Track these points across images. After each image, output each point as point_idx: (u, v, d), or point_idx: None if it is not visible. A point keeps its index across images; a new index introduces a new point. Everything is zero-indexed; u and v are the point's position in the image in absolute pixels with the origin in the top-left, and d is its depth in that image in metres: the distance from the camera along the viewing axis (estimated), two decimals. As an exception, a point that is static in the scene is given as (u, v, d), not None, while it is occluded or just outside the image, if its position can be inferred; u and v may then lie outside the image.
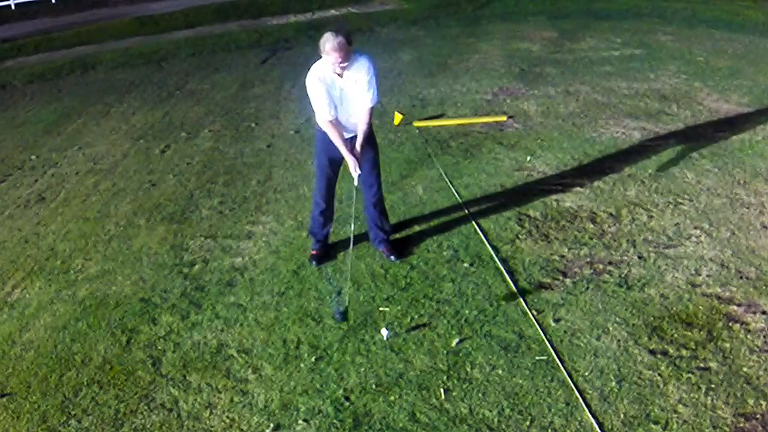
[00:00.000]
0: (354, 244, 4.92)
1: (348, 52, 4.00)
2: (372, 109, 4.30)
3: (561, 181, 5.71)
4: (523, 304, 4.11)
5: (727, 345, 3.66)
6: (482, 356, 3.71)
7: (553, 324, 3.93)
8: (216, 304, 4.42)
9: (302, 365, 3.77)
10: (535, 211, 5.24)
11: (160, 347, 4.03)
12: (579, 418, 3.24)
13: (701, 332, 3.77)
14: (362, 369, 3.70)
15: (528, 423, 3.24)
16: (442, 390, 3.49)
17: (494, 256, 4.64)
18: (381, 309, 4.16)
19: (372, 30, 12.81)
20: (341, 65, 4.02)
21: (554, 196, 5.45)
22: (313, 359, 3.81)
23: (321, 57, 4.09)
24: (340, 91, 4.20)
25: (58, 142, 7.93)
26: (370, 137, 4.45)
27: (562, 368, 3.56)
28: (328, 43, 3.95)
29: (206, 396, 3.61)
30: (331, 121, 4.23)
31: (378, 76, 4.26)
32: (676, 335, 3.76)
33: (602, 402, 3.33)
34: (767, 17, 11.69)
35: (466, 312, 4.09)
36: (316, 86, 4.16)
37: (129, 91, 9.99)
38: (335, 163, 4.55)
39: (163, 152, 7.28)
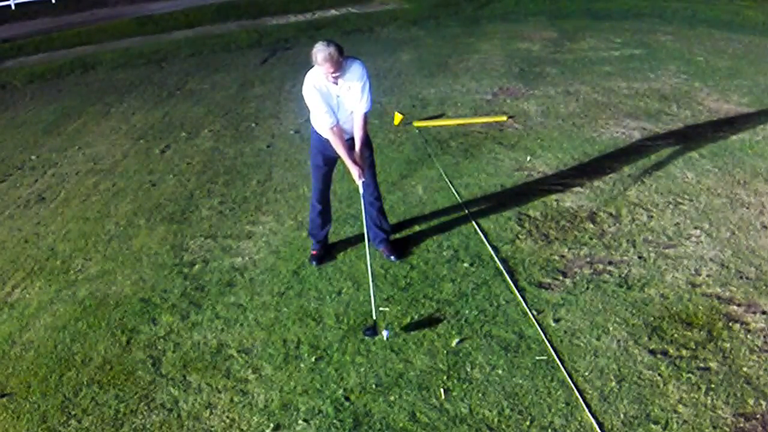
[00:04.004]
0: (354, 245, 4.93)
1: (339, 62, 3.99)
2: (366, 114, 4.30)
3: (561, 181, 5.71)
4: (523, 304, 4.12)
5: (727, 345, 3.66)
6: (482, 356, 3.71)
7: (553, 324, 3.93)
8: (216, 304, 4.42)
9: (302, 365, 3.77)
10: (535, 211, 5.24)
11: (160, 347, 4.04)
12: (579, 418, 3.24)
13: (701, 332, 3.77)
14: (362, 369, 3.70)
15: (528, 423, 3.25)
16: (442, 390, 3.49)
17: (494, 256, 4.64)
18: (381, 309, 4.16)
19: (372, 30, 12.81)
20: (333, 75, 4.03)
21: (554, 196, 5.45)
22: (313, 359, 3.81)
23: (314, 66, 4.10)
24: (336, 98, 4.20)
25: (58, 142, 7.93)
26: (365, 138, 4.46)
27: (562, 368, 3.56)
28: (320, 54, 3.94)
29: (206, 396, 3.61)
30: (332, 128, 4.23)
31: (372, 81, 4.26)
32: (676, 335, 3.76)
33: (602, 402, 3.33)
34: (767, 17, 11.69)
35: (466, 312, 4.09)
36: (313, 95, 4.15)
37: (129, 91, 9.99)
38: (331, 161, 4.55)
39: (163, 152, 7.28)
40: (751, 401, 3.27)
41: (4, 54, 13.27)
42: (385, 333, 3.92)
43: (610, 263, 4.50)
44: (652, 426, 3.17)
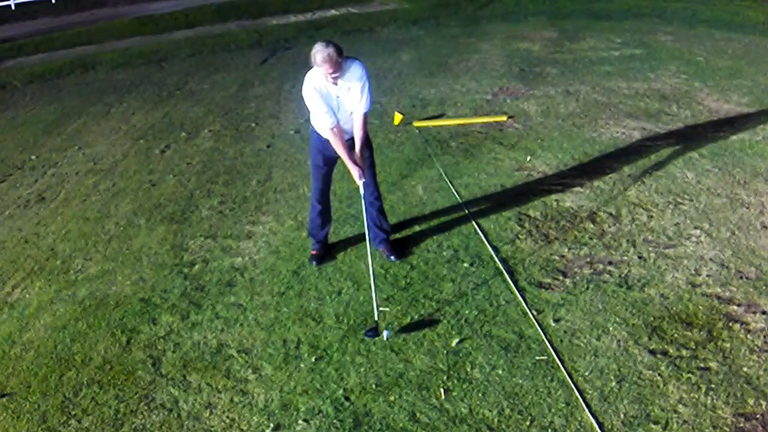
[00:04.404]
0: (354, 245, 4.93)
1: (338, 63, 3.98)
2: (366, 115, 4.30)
3: (561, 181, 5.71)
4: (523, 304, 4.12)
5: (727, 345, 3.66)
6: (482, 356, 3.71)
7: (553, 324, 3.93)
8: (216, 304, 4.42)
9: (302, 365, 3.77)
10: (535, 211, 5.24)
11: (160, 347, 4.04)
12: (579, 418, 3.24)
13: (701, 332, 3.77)
14: (362, 369, 3.70)
15: (528, 423, 3.25)
16: (442, 390, 3.49)
17: (494, 256, 4.64)
18: (381, 309, 4.16)
19: (372, 30, 12.81)
20: (333, 76, 4.02)
21: (554, 196, 5.45)
22: (313, 359, 3.81)
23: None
24: (336, 99, 4.19)
25: (58, 142, 7.93)
26: (365, 138, 4.46)
27: (562, 368, 3.56)
28: (319, 54, 3.94)
29: (206, 396, 3.61)
30: (332, 129, 4.23)
31: (371, 81, 4.26)
32: (676, 335, 3.77)
33: (602, 402, 3.33)
34: (767, 17, 11.69)
35: (466, 312, 4.09)
36: (313, 95, 4.15)
37: (129, 91, 9.99)
38: (331, 161, 4.55)
39: (163, 152, 7.28)
40: (751, 401, 3.27)
41: (4, 54, 13.27)
42: (385, 333, 3.92)
43: (610, 263, 4.50)
44: (652, 426, 3.17)
